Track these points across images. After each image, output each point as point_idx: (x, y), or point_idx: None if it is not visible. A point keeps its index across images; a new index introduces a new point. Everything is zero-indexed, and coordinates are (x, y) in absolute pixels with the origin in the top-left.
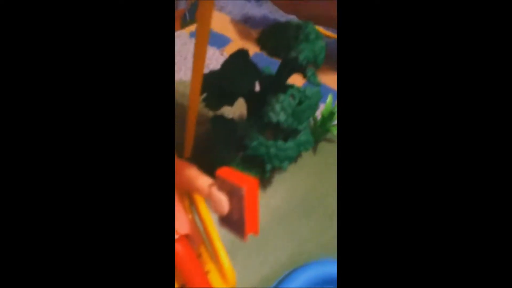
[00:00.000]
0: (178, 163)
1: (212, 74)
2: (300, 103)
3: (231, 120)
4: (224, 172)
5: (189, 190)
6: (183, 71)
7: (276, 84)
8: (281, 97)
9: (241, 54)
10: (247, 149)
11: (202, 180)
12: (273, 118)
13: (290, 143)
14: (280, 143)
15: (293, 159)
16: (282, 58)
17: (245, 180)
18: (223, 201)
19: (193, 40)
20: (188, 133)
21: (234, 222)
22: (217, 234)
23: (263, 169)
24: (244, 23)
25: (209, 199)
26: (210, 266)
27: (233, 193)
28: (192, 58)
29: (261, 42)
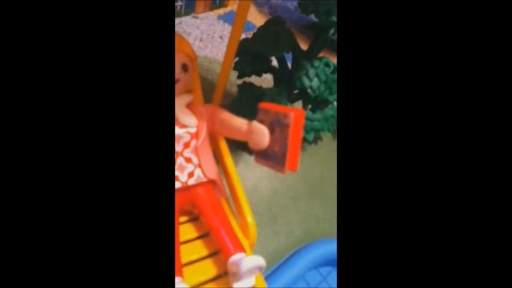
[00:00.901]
0: (209, 108)
1: (246, 40)
2: (333, 72)
3: (259, 87)
4: (267, 104)
5: (222, 133)
6: (209, 49)
7: (309, 54)
8: (316, 62)
9: (277, 20)
10: None
11: (238, 120)
12: (306, 83)
13: (318, 115)
14: (308, 112)
15: (318, 132)
16: (320, 24)
17: (291, 109)
18: (265, 133)
19: (219, 22)
20: (215, 98)
21: (274, 155)
22: (242, 188)
23: None
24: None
25: (247, 137)
26: (231, 220)
27: (277, 123)
28: (217, 38)
29: (303, 7)
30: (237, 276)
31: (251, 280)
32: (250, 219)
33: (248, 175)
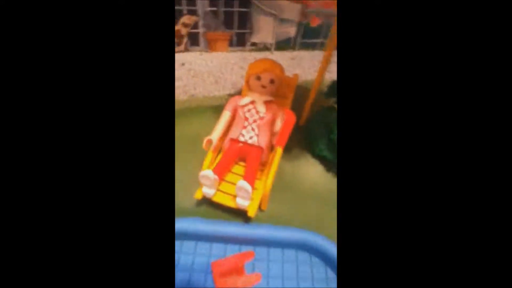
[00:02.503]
0: (285, 111)
1: None
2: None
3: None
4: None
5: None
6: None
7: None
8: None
9: None
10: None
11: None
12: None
13: None
14: None
15: None
16: None
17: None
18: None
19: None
20: (306, 108)
21: None
22: (275, 168)
23: None
24: None
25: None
26: (258, 184)
27: None
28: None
29: None
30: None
31: (246, 202)
32: (268, 189)
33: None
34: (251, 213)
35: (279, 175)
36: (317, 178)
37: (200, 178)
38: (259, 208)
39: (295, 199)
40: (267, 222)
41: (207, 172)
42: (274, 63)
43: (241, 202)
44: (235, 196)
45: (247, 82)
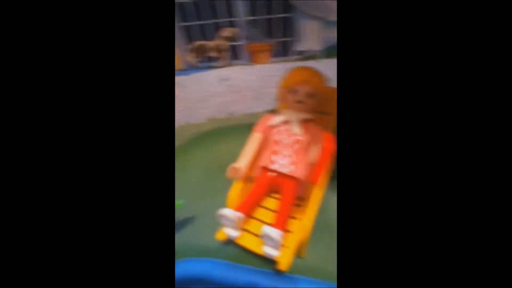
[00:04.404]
0: (324, 135)
1: None
2: None
3: None
4: None
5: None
6: None
7: None
8: None
9: None
10: None
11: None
12: None
13: None
14: None
15: None
16: None
17: None
18: None
19: None
20: None
21: None
22: (316, 205)
23: None
24: None
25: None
26: (294, 226)
27: None
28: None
29: None
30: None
31: (275, 252)
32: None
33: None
34: (284, 265)
35: (323, 213)
36: None
37: (219, 218)
38: (297, 255)
39: None
40: (305, 274)
41: (227, 211)
42: (312, 72)
43: (269, 252)
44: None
45: (281, 97)
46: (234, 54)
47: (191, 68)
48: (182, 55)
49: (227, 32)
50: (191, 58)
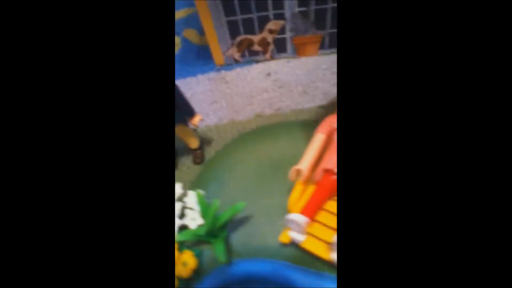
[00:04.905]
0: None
1: None
2: None
3: None
4: None
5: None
6: None
7: None
8: None
9: None
10: None
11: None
12: None
13: None
14: None
15: None
16: None
17: None
18: None
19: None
20: None
21: None
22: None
23: None
24: None
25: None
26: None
27: None
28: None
29: None
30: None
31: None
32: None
33: None
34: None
35: None
36: None
37: (287, 222)
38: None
39: None
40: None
41: (296, 217)
42: None
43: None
44: (329, 244)
45: None
46: (279, 47)
47: (233, 63)
48: (225, 51)
49: (273, 25)
50: (234, 53)
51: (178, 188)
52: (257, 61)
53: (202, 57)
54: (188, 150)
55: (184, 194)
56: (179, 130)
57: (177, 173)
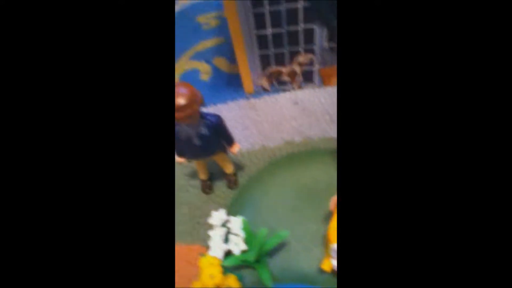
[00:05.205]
0: None
1: None
2: None
3: None
4: None
5: None
6: None
7: None
8: None
9: None
10: None
11: None
12: None
13: None
14: None
15: None
16: None
17: None
18: None
19: None
20: None
21: None
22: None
23: None
24: None
25: None
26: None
27: None
28: None
29: None
30: None
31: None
32: None
33: None
34: None
35: None
36: None
37: (333, 252)
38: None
39: None
40: None
41: None
42: None
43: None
44: None
45: None
46: (305, 77)
47: (262, 91)
48: (255, 80)
49: (302, 58)
50: (263, 82)
51: (223, 214)
52: (284, 90)
53: (232, 85)
54: (222, 175)
55: (227, 220)
56: (218, 157)
57: (212, 196)
